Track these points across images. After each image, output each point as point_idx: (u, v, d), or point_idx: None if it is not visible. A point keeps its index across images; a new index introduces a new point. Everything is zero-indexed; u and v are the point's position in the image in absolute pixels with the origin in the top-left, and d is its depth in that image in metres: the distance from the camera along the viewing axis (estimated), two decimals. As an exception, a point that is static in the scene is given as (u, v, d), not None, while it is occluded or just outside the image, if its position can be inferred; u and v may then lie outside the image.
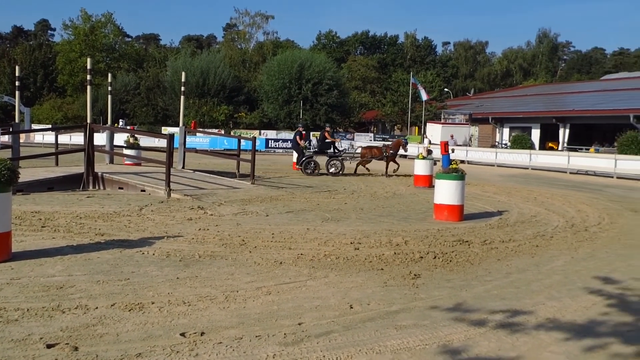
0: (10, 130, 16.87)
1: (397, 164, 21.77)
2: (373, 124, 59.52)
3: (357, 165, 21.92)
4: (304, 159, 20.60)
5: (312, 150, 21.38)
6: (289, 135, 41.45)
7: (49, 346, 4.13)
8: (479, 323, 4.99)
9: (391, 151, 21.24)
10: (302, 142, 21.12)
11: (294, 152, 22.14)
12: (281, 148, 38.66)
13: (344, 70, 59.42)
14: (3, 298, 5.17)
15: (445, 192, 10.60)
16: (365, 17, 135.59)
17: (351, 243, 8.17)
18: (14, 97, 18.45)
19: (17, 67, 16.43)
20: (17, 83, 16.71)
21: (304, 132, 22.28)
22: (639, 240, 9.34)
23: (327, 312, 5.17)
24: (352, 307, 5.33)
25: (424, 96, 43.25)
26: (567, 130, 37.07)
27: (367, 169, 22.02)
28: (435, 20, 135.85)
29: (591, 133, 37.88)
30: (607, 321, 5.14)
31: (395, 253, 7.59)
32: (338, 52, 73.48)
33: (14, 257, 6.61)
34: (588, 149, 33.00)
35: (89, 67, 15.53)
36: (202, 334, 4.52)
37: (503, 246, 8.38)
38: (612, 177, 24.14)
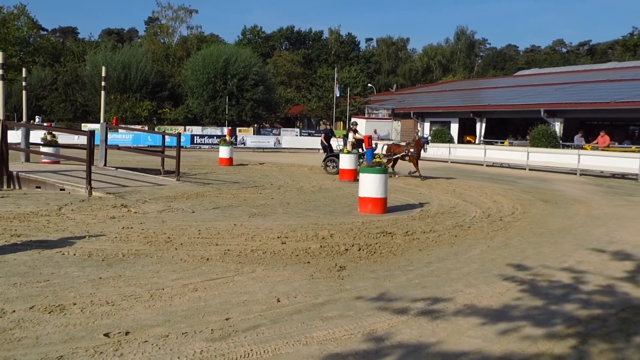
0: None
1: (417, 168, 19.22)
2: (299, 119, 59.72)
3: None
4: (328, 156, 20.00)
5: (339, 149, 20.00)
6: (214, 131, 40.90)
7: (-38, 353, 3.94)
8: (402, 311, 5.15)
9: (411, 150, 19.14)
10: (335, 141, 20.69)
11: (324, 150, 21.02)
12: (207, 144, 38.08)
13: (270, 66, 59.18)
14: None
15: (369, 185, 10.83)
16: (290, 12, 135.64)
17: (278, 237, 8.20)
18: None
19: None
20: None
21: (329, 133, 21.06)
22: (549, 229, 9.90)
23: (255, 306, 5.19)
24: (279, 301, 5.37)
25: (337, 92, 43.82)
26: (484, 124, 38.60)
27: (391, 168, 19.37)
28: (358, 16, 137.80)
29: (505, 127, 39.63)
30: (520, 306, 5.43)
31: (321, 246, 7.69)
32: (263, 48, 73.07)
33: None
34: (503, 142, 34.51)
35: (0, 61, 14.69)
36: (127, 333, 4.43)
37: (424, 237, 8.67)
38: (525, 169, 25.39)
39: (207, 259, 6.86)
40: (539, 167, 24.86)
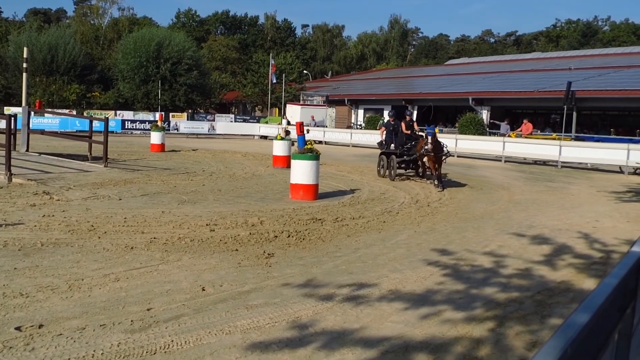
0: None
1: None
2: (234, 104, 58.92)
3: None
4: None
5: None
6: (146, 116, 39.74)
7: None
8: (327, 298, 5.15)
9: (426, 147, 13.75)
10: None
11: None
12: (139, 129, 36.96)
13: (204, 50, 57.97)
14: None
15: (301, 172, 10.79)
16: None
17: (207, 225, 8.04)
18: None
19: None
20: None
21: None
22: (473, 214, 10.18)
23: (178, 295, 5.06)
24: (204, 290, 5.25)
25: (272, 79, 43.59)
26: (415, 112, 39.34)
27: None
28: (294, 2, 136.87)
29: (436, 114, 40.55)
30: (442, 290, 5.55)
31: (250, 233, 7.60)
32: (198, 32, 71.40)
33: None
34: (433, 130, 35.25)
35: None
36: (41, 326, 4.21)
37: (353, 223, 8.72)
38: (454, 155, 26.06)
39: (132, 248, 6.64)
40: (466, 153, 25.56)
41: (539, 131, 28.94)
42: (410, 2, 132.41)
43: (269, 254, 6.62)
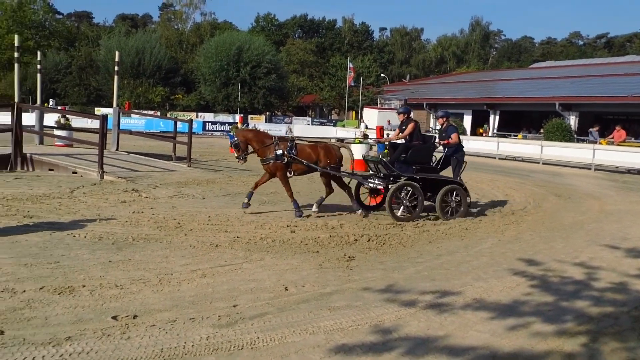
0: None
1: None
2: (311, 108, 59.61)
3: None
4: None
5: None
6: (226, 118, 40.91)
7: (-29, 332, 3.97)
8: (410, 304, 5.12)
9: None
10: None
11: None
12: (219, 131, 38.12)
13: (283, 54, 59.10)
14: None
15: (380, 176, 10.75)
16: (304, 1, 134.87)
17: (287, 226, 8.19)
18: None
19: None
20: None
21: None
22: (561, 223, 9.80)
23: (262, 294, 5.19)
24: (287, 289, 5.36)
25: (349, 81, 43.66)
26: (497, 117, 38.32)
27: None
28: (372, 5, 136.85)
29: (519, 120, 39.33)
30: (530, 301, 5.38)
31: (330, 236, 7.67)
32: (276, 35, 72.85)
33: None
34: (516, 135, 34.26)
35: (16, 44, 14.81)
36: (135, 317, 4.44)
37: (434, 229, 8.62)
38: (539, 162, 25.18)
39: (216, 246, 6.87)
40: (552, 161, 24.63)
41: (632, 138, 27.47)
42: (492, 3, 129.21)
43: (349, 257, 6.66)
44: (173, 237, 7.23)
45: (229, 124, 37.59)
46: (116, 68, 18.50)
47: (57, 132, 18.27)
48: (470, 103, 40.50)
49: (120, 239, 6.93)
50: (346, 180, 9.88)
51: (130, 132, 21.02)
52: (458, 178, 10.19)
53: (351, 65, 44.70)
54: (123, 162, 14.67)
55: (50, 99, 40.25)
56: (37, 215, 7.99)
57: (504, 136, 33.46)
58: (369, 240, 7.57)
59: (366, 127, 22.36)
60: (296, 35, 79.29)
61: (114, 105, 18.11)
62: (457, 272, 6.28)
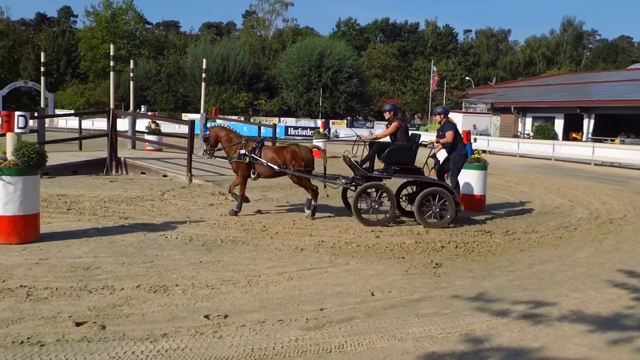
0: (36, 115, 17.10)
1: None
2: (393, 112, 59.21)
3: None
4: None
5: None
6: (307, 123, 41.45)
7: (77, 324, 4.25)
8: (501, 313, 4.99)
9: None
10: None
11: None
12: (301, 135, 38.71)
13: (364, 58, 59.13)
14: (33, 277, 5.31)
15: (468, 182, 10.56)
16: (385, 4, 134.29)
17: (372, 231, 8.20)
18: (38, 82, 18.72)
19: (42, 54, 16.66)
20: (42, 69, 16.95)
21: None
22: (664, 233, 9.21)
23: (349, 298, 5.22)
24: (373, 295, 5.36)
25: (433, 85, 42.98)
26: (592, 121, 36.55)
27: None
28: (456, 7, 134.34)
29: (617, 124, 37.31)
30: (633, 315, 5.10)
31: (416, 242, 7.60)
32: (358, 40, 72.97)
33: (42, 238, 6.77)
34: (613, 140, 32.51)
35: (112, 53, 15.70)
36: (226, 316, 4.59)
37: (525, 237, 8.34)
38: (638, 169, 23.78)
39: (302, 249, 6.97)
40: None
41: None
42: (586, 2, 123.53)
43: (436, 264, 6.57)
44: (259, 240, 7.41)
45: (311, 128, 38.09)
46: (203, 75, 19.21)
47: (148, 137, 19.21)
48: (562, 106, 38.83)
49: (210, 241, 7.18)
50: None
51: (216, 137, 21.70)
52: (454, 182, 9.48)
53: (435, 69, 44.10)
54: (210, 165, 15.16)
55: (142, 105, 42.37)
56: (132, 217, 8.43)
57: (600, 141, 31.86)
58: (456, 247, 7.44)
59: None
60: (377, 39, 79.09)
61: (202, 110, 18.79)
62: (551, 282, 6.05)
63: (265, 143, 9.69)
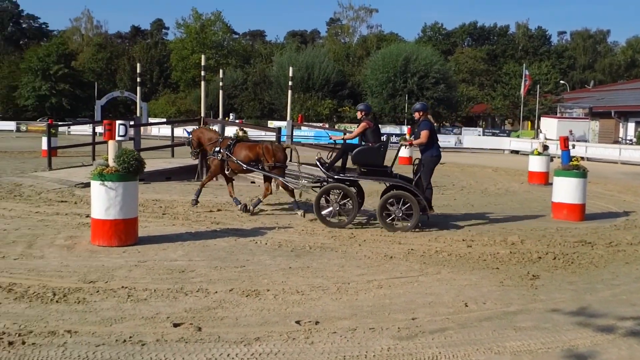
0: (132, 123, 18.05)
1: None
2: (482, 118, 57.80)
3: None
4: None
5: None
6: (393, 129, 41.21)
7: (175, 325, 4.43)
8: (607, 329, 4.73)
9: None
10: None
11: None
12: (385, 143, 38.54)
13: (451, 63, 58.14)
14: (132, 279, 5.60)
15: (565, 190, 10.12)
16: (473, 7, 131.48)
17: (463, 240, 8.01)
18: (134, 92, 19.76)
19: (138, 65, 17.57)
20: (137, 79, 17.87)
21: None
22: None
23: (441, 308, 5.12)
24: (467, 305, 5.24)
25: (524, 90, 41.48)
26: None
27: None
28: (549, 9, 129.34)
29: None
30: None
31: (511, 252, 7.36)
32: (444, 45, 71.87)
33: (140, 241, 7.14)
34: None
35: (202, 63, 16.34)
36: (317, 322, 4.63)
37: (631, 249, 7.87)
38: None
39: (391, 257, 6.93)
40: None
41: None
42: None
43: (533, 276, 6.32)
44: (347, 247, 7.44)
45: (396, 135, 37.83)
46: (289, 83, 19.59)
47: (236, 145, 19.71)
48: (669, 110, 36.49)
49: (298, 247, 7.29)
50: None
51: (301, 144, 22.06)
52: (426, 184, 9.04)
53: (527, 73, 42.62)
54: (296, 172, 15.39)
55: (230, 113, 43.76)
56: (223, 222, 8.72)
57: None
58: (554, 258, 7.13)
59: (545, 137, 20.97)
60: (465, 43, 77.58)
61: (288, 118, 19.15)
62: (662, 299, 5.66)
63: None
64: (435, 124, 9.62)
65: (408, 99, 44.82)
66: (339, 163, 9.29)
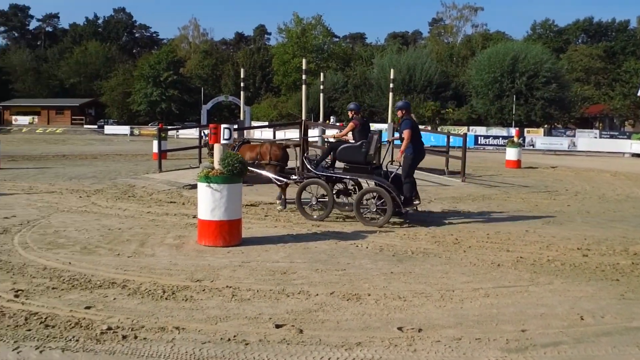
0: (236, 127, 18.71)
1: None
2: (598, 119, 54.65)
3: None
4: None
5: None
6: (499, 131, 39.96)
7: (277, 326, 4.50)
8: None
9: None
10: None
11: None
12: (491, 145, 37.39)
13: (563, 61, 55.41)
14: (237, 279, 5.78)
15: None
16: (587, 2, 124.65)
17: (578, 249, 7.58)
18: (237, 97, 20.48)
19: (241, 70, 18.21)
20: (241, 84, 18.53)
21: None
22: None
23: (554, 321, 4.86)
24: (582, 319, 4.93)
25: None
26: None
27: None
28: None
29: None
30: None
31: (633, 263, 6.87)
32: (556, 42, 68.63)
33: (243, 242, 7.36)
34: None
35: (303, 67, 16.57)
36: (420, 330, 4.53)
37: None
38: None
39: (498, 265, 6.68)
40: None
41: None
42: None
43: (659, 289, 5.86)
44: (452, 253, 7.25)
45: (503, 137, 36.60)
46: (390, 85, 19.51)
47: (336, 148, 19.89)
48: None
49: (400, 252, 7.20)
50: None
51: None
52: (404, 179, 9.37)
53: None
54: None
55: (331, 116, 44.23)
56: (324, 225, 8.80)
57: None
58: (684, 271, 6.57)
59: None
60: (579, 40, 73.73)
61: (389, 120, 19.06)
62: None
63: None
64: (417, 122, 10.03)
65: (516, 99, 43.26)
66: (343, 162, 9.74)
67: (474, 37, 67.75)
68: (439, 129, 39.71)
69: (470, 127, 42.40)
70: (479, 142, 37.97)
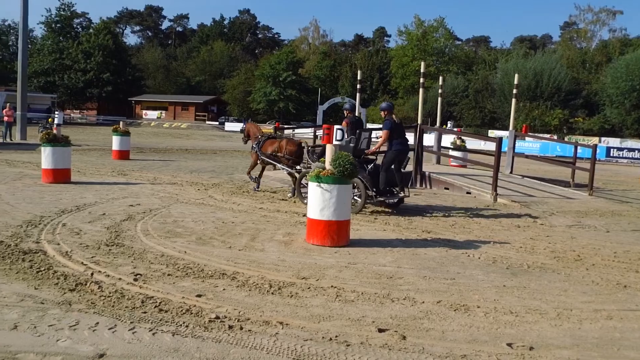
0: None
1: None
2: None
3: None
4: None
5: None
6: (635, 144, 37.27)
7: (380, 330, 4.48)
8: None
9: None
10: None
11: None
12: (626, 158, 34.93)
13: None
14: (342, 279, 5.82)
15: None
16: None
17: None
18: (353, 98, 20.67)
19: (359, 72, 18.32)
20: (358, 86, 18.66)
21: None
22: None
23: (686, 351, 4.45)
24: None
25: None
26: None
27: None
28: None
29: None
30: None
31: None
32: None
33: (351, 244, 7.40)
34: None
35: (422, 70, 16.43)
36: (531, 348, 4.33)
37: None
38: None
39: (625, 286, 6.22)
40: None
41: None
42: None
43: None
44: (572, 270, 6.85)
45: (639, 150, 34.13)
46: (514, 91, 18.77)
47: (452, 153, 19.57)
48: None
49: (515, 265, 6.91)
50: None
51: (525, 156, 21.04)
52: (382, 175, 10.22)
53: None
54: (517, 185, 14.71)
55: (448, 121, 43.45)
56: (434, 231, 8.64)
57: None
58: None
59: None
60: None
61: (510, 127, 18.39)
62: None
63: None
64: (400, 122, 11.00)
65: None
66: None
67: (610, 43, 63.69)
68: (566, 139, 37.71)
69: (602, 138, 39.86)
70: (611, 155, 35.60)
